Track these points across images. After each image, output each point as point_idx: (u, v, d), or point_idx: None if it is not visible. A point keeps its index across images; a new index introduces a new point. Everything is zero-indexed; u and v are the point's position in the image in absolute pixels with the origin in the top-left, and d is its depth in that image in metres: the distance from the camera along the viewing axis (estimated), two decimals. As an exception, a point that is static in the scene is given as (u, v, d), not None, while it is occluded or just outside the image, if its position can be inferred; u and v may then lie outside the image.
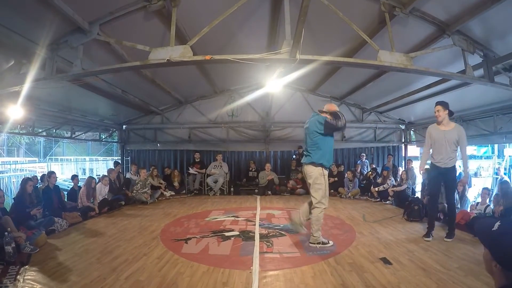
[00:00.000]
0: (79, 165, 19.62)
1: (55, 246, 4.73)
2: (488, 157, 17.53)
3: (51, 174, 6.83)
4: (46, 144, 20.73)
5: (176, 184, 10.22)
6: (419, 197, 7.48)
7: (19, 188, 6.09)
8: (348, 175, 9.70)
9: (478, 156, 17.17)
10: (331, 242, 4.62)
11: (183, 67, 5.85)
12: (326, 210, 4.57)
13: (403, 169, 9.87)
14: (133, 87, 7.81)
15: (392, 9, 4.56)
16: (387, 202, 8.32)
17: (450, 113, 4.89)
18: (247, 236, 5.25)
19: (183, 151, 11.54)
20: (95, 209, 7.00)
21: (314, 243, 4.52)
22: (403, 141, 11.70)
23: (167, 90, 8.64)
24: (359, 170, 10.35)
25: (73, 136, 9.82)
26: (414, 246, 4.62)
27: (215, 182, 10.09)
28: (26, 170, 15.34)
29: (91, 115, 9.70)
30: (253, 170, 10.70)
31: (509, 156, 15.10)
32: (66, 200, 7.43)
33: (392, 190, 8.30)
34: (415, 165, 10.65)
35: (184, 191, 10.26)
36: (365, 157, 11.12)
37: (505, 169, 13.40)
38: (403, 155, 11.79)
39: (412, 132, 11.62)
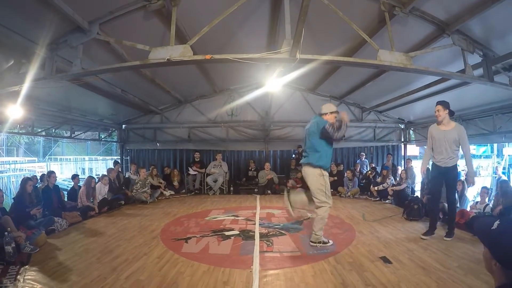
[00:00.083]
0: (79, 165, 19.60)
1: (55, 245, 4.72)
2: (487, 157, 17.57)
3: (51, 173, 6.82)
4: (46, 144, 20.72)
5: (175, 183, 10.22)
6: (419, 196, 7.50)
7: (19, 187, 6.09)
8: (347, 174, 9.71)
9: (477, 156, 17.18)
10: (331, 242, 4.62)
11: (182, 66, 5.85)
12: (330, 209, 4.54)
13: (403, 168, 9.88)
14: (132, 87, 7.80)
15: (392, 9, 4.56)
16: (387, 201, 8.33)
17: (451, 113, 4.88)
18: (247, 235, 5.26)
19: (183, 150, 11.54)
20: (95, 208, 6.99)
21: (315, 242, 4.52)
22: (402, 140, 11.71)
23: (167, 90, 8.64)
24: (358, 169, 10.36)
25: (73, 135, 9.82)
26: (414, 245, 4.63)
27: (215, 181, 10.10)
28: (25, 170, 15.33)
29: (91, 114, 9.69)
30: (252, 169, 10.71)
31: (508, 155, 15.13)
32: (66, 199, 7.42)
33: (391, 189, 8.31)
34: (415, 164, 10.70)
35: (183, 191, 10.26)
36: (364, 157, 11.14)
37: (504, 168, 13.43)
38: (403, 154, 11.83)
39: (411, 132, 11.65)
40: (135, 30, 5.22)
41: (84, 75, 5.15)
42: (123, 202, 8.11)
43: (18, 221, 4.83)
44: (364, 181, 9.78)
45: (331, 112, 4.55)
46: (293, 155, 11.04)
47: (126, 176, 9.63)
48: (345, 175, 9.77)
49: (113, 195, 8.00)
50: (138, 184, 8.53)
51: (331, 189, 4.63)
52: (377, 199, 8.67)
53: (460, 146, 4.80)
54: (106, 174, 8.37)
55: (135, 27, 5.15)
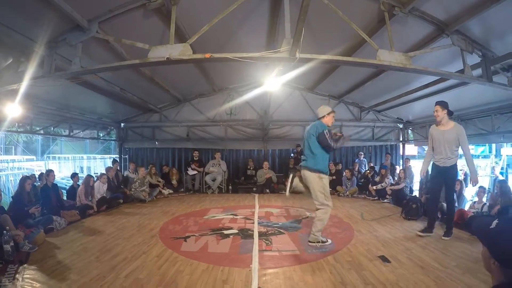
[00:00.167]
0: (77, 163, 19.56)
1: (54, 244, 4.72)
2: (485, 156, 17.63)
3: (50, 172, 6.81)
4: (44, 142, 20.65)
5: (174, 182, 10.20)
6: (417, 195, 7.52)
7: (18, 186, 6.09)
8: (346, 173, 9.74)
9: (475, 156, 17.24)
10: (329, 241, 4.64)
11: (182, 65, 5.84)
12: (330, 211, 4.52)
13: (401, 167, 9.91)
14: (131, 85, 7.79)
15: (391, 9, 4.56)
16: (385, 200, 8.35)
17: (450, 113, 4.90)
18: (246, 234, 5.27)
19: (181, 149, 11.52)
20: (94, 207, 6.99)
21: (314, 242, 4.52)
22: (401, 140, 11.74)
23: (166, 88, 8.64)
24: (357, 168, 10.37)
25: (71, 134, 9.80)
26: (412, 244, 4.65)
27: (214, 180, 10.11)
28: (24, 168, 15.29)
29: (89, 113, 9.67)
30: (251, 168, 10.72)
31: (507, 155, 15.18)
32: (65, 198, 7.42)
33: (390, 189, 8.33)
34: (413, 163, 10.71)
35: (182, 189, 10.26)
36: (363, 156, 11.15)
37: (502, 168, 13.46)
38: (401, 154, 11.85)
39: (410, 131, 11.66)
40: (134, 29, 5.21)
41: (83, 73, 5.15)
42: (121, 201, 8.11)
43: (16, 220, 4.82)
44: (362, 180, 9.80)
45: (328, 114, 4.60)
46: (292, 154, 11.05)
47: (125, 174, 9.62)
48: (344, 174, 9.80)
49: (112, 193, 7.99)
50: (137, 182, 8.54)
51: (330, 188, 4.64)
52: (376, 198, 8.68)
53: (460, 146, 4.82)
54: (105, 172, 8.36)
55: (134, 26, 5.14)
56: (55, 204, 6.29)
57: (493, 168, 9.96)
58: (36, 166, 16.16)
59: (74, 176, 8.05)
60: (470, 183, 5.20)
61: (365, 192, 9.32)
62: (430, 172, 5.48)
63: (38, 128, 9.03)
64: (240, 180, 10.74)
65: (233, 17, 4.73)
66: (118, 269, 3.72)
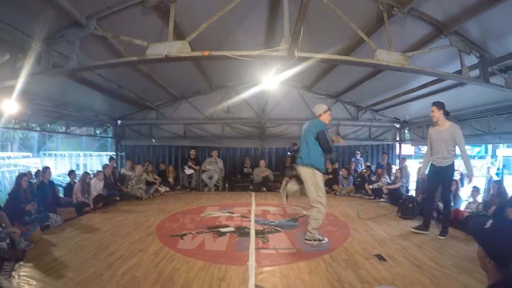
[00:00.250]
0: (73, 160, 19.45)
1: (50, 242, 4.71)
2: (481, 157, 17.75)
3: (46, 169, 6.79)
4: (40, 139, 20.52)
5: (171, 180, 10.19)
6: (413, 195, 7.56)
7: (14, 183, 6.05)
8: (342, 172, 9.77)
9: (471, 156, 17.36)
10: (326, 239, 4.66)
11: (179, 63, 5.84)
12: (325, 209, 4.55)
13: (397, 167, 9.95)
14: (129, 82, 7.76)
15: (390, 9, 4.57)
16: (381, 199, 8.38)
17: (446, 113, 4.95)
18: (242, 232, 5.28)
19: (178, 147, 11.49)
20: (90, 204, 6.96)
21: (310, 240, 4.55)
22: (397, 139, 11.78)
23: (163, 86, 8.62)
24: (353, 167, 10.40)
25: (68, 131, 9.75)
26: (408, 243, 4.67)
27: (210, 178, 10.10)
28: (20, 165, 15.19)
29: (86, 110, 9.62)
30: (248, 166, 10.73)
31: (502, 156, 15.30)
32: (63, 195, 7.40)
33: (386, 188, 8.37)
34: (409, 163, 10.77)
35: (179, 187, 10.26)
36: (359, 155, 11.18)
37: (498, 169, 13.57)
38: (397, 153, 11.89)
39: (406, 131, 11.71)
40: (133, 26, 5.18)
41: (81, 70, 5.13)
42: (118, 198, 8.09)
43: (13, 217, 4.79)
44: (359, 179, 9.81)
45: (325, 112, 4.70)
46: (288, 153, 11.05)
47: (121, 172, 9.60)
48: (340, 173, 9.83)
49: (108, 191, 7.96)
50: (133, 180, 8.52)
51: (326, 187, 4.67)
52: (372, 197, 8.72)
53: (457, 146, 4.86)
54: (101, 170, 8.34)
55: (133, 23, 5.11)
56: (52, 201, 6.27)
57: (488, 168, 10.05)
58: (33, 163, 16.05)
59: (71, 173, 8.01)
60: (466, 179, 5.25)
61: (361, 191, 9.33)
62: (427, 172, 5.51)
63: (34, 125, 8.97)
64: (237, 178, 10.75)
65: (231, 15, 4.72)
66: (115, 267, 3.72)
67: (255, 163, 10.90)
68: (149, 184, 9.08)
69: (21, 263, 3.81)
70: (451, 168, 4.97)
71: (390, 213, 6.73)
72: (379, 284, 3.27)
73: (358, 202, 8.30)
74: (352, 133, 11.44)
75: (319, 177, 4.52)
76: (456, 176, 6.62)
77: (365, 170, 9.97)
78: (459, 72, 5.10)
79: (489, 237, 1.37)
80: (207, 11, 4.49)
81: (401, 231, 5.35)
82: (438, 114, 4.92)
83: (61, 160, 18.86)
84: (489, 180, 8.31)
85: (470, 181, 5.04)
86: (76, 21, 4.45)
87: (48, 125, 9.24)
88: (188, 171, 10.27)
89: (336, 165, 10.38)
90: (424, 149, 5.22)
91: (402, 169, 9.04)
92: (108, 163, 9.28)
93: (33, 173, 7.85)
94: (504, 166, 14.77)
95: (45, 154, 18.82)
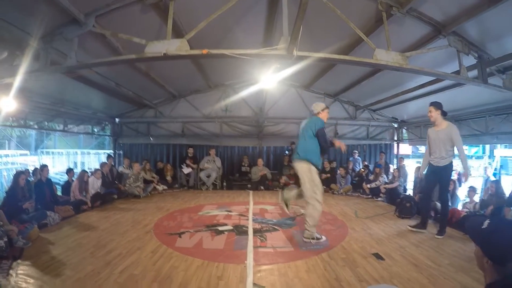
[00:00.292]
0: (71, 158, 19.40)
1: (48, 240, 4.70)
2: (478, 157, 17.82)
3: (44, 167, 6.76)
4: (38, 137, 20.46)
5: (168, 178, 10.18)
6: (411, 194, 7.59)
7: (12, 181, 6.04)
8: (340, 171, 9.80)
9: (469, 156, 17.44)
10: (324, 237, 4.68)
11: (178, 61, 5.82)
12: (321, 206, 4.58)
13: (395, 166, 9.97)
14: (127, 80, 7.74)
15: (389, 8, 4.58)
16: (379, 199, 8.41)
17: (443, 113, 4.98)
18: (240, 230, 5.29)
19: (176, 145, 11.47)
20: (88, 202, 6.95)
21: (309, 238, 4.56)
22: (395, 139, 11.80)
23: (161, 84, 8.59)
24: (351, 166, 10.42)
25: (66, 129, 9.72)
26: (406, 242, 4.70)
27: (208, 176, 10.10)
28: (17, 163, 15.15)
29: (84, 108, 9.59)
30: (246, 165, 10.73)
31: (500, 156, 15.37)
32: (61, 193, 7.38)
33: (384, 187, 8.40)
34: (407, 163, 10.80)
35: (176, 185, 10.25)
36: (357, 154, 11.19)
37: (495, 169, 13.63)
38: (395, 153, 11.91)
39: (404, 131, 11.73)
40: (131, 24, 5.16)
41: (79, 68, 5.11)
42: (116, 196, 8.08)
43: (10, 215, 4.77)
44: (356, 178, 9.86)
45: (323, 110, 4.79)
46: (286, 152, 11.08)
47: (119, 170, 9.58)
48: (338, 172, 9.84)
49: (106, 189, 7.96)
50: (131, 178, 8.51)
51: (324, 186, 4.70)
52: (370, 196, 8.74)
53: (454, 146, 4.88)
54: (99, 168, 8.32)
55: (131, 21, 5.09)
56: (49, 200, 6.25)
57: (485, 168, 10.10)
58: (30, 161, 16.02)
59: (69, 171, 8.00)
60: (463, 177, 5.28)
61: (359, 190, 9.36)
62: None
63: (32, 123, 8.93)
64: (235, 177, 10.74)
65: (230, 13, 4.70)
66: (112, 265, 3.72)
67: (253, 161, 10.91)
68: (147, 182, 9.06)
69: (19, 261, 3.80)
70: (448, 168, 5.00)
71: (387, 212, 6.75)
72: (377, 282, 3.29)
73: (356, 201, 8.33)
74: (350, 133, 11.46)
75: (315, 174, 4.57)
76: (454, 176, 6.65)
77: (363, 170, 10.01)
78: (457, 72, 5.11)
79: (487, 237, 1.38)
80: (206, 10, 4.48)
81: (398, 230, 5.38)
82: (435, 114, 4.96)
83: (58, 158, 18.82)
84: (486, 180, 8.33)
85: (466, 179, 5.09)
86: (74, 19, 4.42)
87: (46, 123, 9.18)
88: (186, 171, 10.26)
89: (334, 164, 10.40)
90: (422, 148, 5.25)
91: (400, 169, 9.06)
92: (106, 161, 9.28)
93: (30, 171, 7.82)
94: (501, 166, 14.83)
95: (42, 152, 18.76)
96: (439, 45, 5.02)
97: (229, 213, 6.59)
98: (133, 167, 8.81)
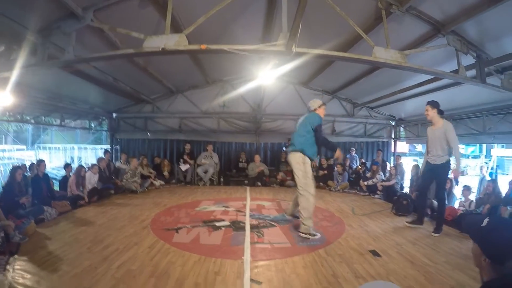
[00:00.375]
0: (68, 153, 19.31)
1: (45, 235, 4.68)
2: (475, 156, 17.91)
3: (41, 162, 6.73)
4: (34, 132, 20.33)
5: (166, 173, 10.16)
6: (408, 192, 7.62)
7: (8, 176, 6.00)
8: (337, 168, 9.80)
9: (465, 155, 17.53)
10: (318, 235, 4.70)
11: (176, 56, 5.78)
12: (313, 199, 4.68)
13: (392, 164, 9.99)
14: (124, 75, 7.70)
15: (389, 6, 4.58)
16: (376, 196, 8.45)
17: (440, 112, 5.01)
18: (237, 226, 5.30)
19: (173, 140, 11.45)
20: (85, 198, 6.93)
21: (305, 233, 4.59)
22: (392, 137, 11.84)
23: (159, 79, 8.55)
24: (348, 164, 10.45)
25: (63, 123, 9.67)
26: (402, 239, 4.73)
27: (205, 172, 10.11)
28: (14, 158, 15.06)
29: (81, 102, 9.54)
30: (243, 161, 10.74)
31: (496, 156, 15.45)
32: (58, 188, 7.35)
33: (381, 185, 8.43)
34: (404, 161, 10.83)
35: (174, 181, 10.25)
36: (354, 152, 11.22)
37: (492, 168, 13.71)
38: (392, 150, 11.95)
39: (402, 129, 11.76)
40: (129, 18, 5.12)
41: (77, 62, 5.07)
42: (113, 192, 8.06)
43: (7, 210, 4.75)
44: (354, 175, 9.88)
45: (319, 106, 4.92)
46: (284, 148, 11.07)
47: (116, 165, 9.56)
48: (335, 169, 9.86)
49: (103, 184, 7.94)
50: (128, 173, 8.50)
51: (321, 182, 4.74)
52: (366, 194, 8.78)
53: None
54: (96, 163, 8.30)
55: (129, 15, 5.05)
56: (46, 195, 6.23)
57: (481, 168, 10.16)
58: (27, 156, 15.93)
59: (67, 166, 7.98)
60: (451, 173, 5.33)
61: (356, 187, 9.40)
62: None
63: (29, 117, 8.88)
64: (232, 173, 10.76)
65: (229, 9, 4.67)
66: (110, 260, 3.72)
67: (250, 158, 10.92)
68: (144, 177, 9.06)
69: (16, 256, 3.78)
70: (445, 166, 5.02)
71: (384, 210, 6.79)
72: (374, 279, 3.31)
73: (353, 198, 8.36)
74: (347, 130, 11.48)
75: (309, 166, 4.68)
76: (451, 175, 6.68)
77: (360, 167, 10.03)
78: (455, 71, 5.12)
79: (486, 235, 1.39)
80: (205, 5, 4.45)
81: (395, 228, 5.41)
82: (432, 113, 5.01)
83: (55, 153, 18.72)
84: (482, 179, 8.38)
85: (456, 177, 5.14)
86: (72, 13, 4.37)
87: (43, 118, 9.15)
88: (184, 167, 10.24)
89: (331, 161, 10.42)
90: (419, 147, 5.28)
91: (397, 167, 9.10)
92: (103, 156, 9.25)
93: (27, 166, 7.79)
94: (498, 166, 14.92)
95: (39, 147, 18.66)
96: (438, 44, 5.02)
97: (226, 208, 6.59)
98: (131, 162, 8.80)
